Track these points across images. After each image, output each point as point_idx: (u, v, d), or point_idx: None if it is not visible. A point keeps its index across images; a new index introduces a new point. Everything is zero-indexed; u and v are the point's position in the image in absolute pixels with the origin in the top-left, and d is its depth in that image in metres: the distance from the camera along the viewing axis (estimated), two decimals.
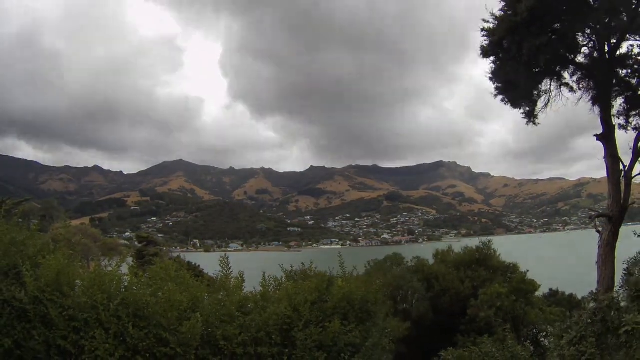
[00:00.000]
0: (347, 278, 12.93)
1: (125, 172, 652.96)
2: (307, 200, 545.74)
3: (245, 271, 12.83)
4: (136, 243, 70.81)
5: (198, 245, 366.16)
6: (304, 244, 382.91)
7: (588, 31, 24.80)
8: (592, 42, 25.64)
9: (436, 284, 39.83)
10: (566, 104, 26.61)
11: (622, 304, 11.75)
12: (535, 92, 26.46)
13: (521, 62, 23.68)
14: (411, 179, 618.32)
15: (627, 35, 24.64)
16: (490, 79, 26.09)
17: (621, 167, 25.47)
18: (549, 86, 26.55)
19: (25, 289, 9.85)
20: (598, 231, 25.89)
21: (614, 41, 24.96)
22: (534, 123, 27.07)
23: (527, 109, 26.82)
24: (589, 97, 26.14)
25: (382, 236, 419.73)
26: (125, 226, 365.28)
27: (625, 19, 23.08)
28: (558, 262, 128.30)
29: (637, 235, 22.79)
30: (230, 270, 12.60)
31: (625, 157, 25.62)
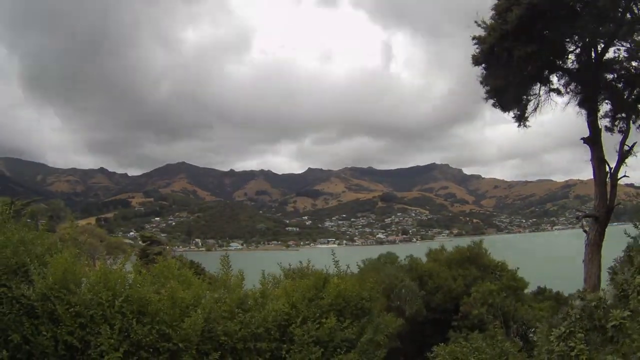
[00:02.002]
0: (342, 276, 12.97)
1: (130, 174, 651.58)
2: (305, 201, 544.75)
3: (245, 269, 12.85)
4: (140, 242, 70.62)
5: (200, 244, 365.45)
6: (301, 243, 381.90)
7: (576, 37, 24.87)
8: (579, 48, 25.73)
9: (429, 282, 39.84)
10: (555, 108, 26.73)
11: (609, 301, 11.74)
12: (525, 97, 26.54)
13: (511, 68, 23.73)
14: (405, 181, 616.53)
15: (614, 42, 24.72)
16: (481, 83, 26.15)
17: (607, 169, 25.56)
18: (538, 91, 26.65)
19: (34, 287, 9.87)
20: (585, 231, 25.96)
21: (601, 47, 25.04)
22: (525, 126, 27.16)
23: (517, 112, 26.89)
24: (577, 101, 26.22)
25: (377, 235, 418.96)
26: (129, 226, 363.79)
27: (611, 26, 23.14)
28: (546, 260, 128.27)
29: (628, 236, 22.85)
30: (231, 269, 12.64)
31: (611, 160, 25.73)
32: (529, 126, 27.22)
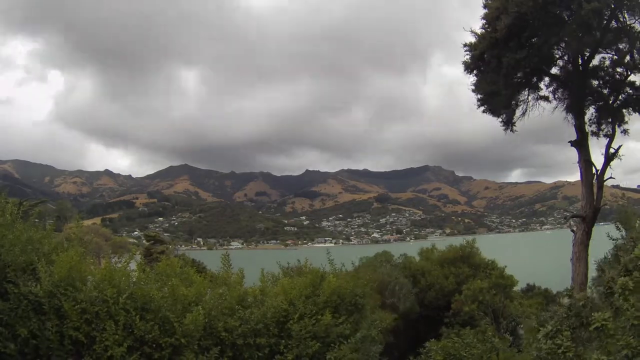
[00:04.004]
0: (338, 274, 13.00)
1: (134, 176, 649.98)
2: (303, 202, 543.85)
3: (245, 268, 12.88)
4: (144, 241, 70.51)
5: (201, 243, 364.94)
6: (299, 242, 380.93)
7: (563, 45, 24.93)
8: (566, 56, 25.82)
9: (422, 280, 39.85)
10: (542, 112, 26.82)
11: (596, 300, 11.78)
12: (514, 102, 26.61)
13: (501, 75, 23.80)
14: (399, 182, 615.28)
15: (599, 49, 24.79)
16: (473, 90, 26.23)
17: (594, 171, 25.64)
18: (526, 96, 26.73)
19: (41, 284, 9.87)
20: (572, 230, 26.06)
21: (587, 54, 25.11)
22: (512, 130, 27.24)
23: (506, 117, 26.96)
24: (564, 106, 26.32)
25: (372, 235, 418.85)
26: (134, 226, 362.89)
27: (596, 34, 23.20)
28: (535, 259, 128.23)
29: (610, 238, 22.94)
30: (231, 267, 12.66)
31: (598, 162, 25.83)
32: (515, 131, 27.35)
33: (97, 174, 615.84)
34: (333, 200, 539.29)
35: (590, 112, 26.78)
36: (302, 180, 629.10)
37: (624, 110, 25.90)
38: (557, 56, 25.97)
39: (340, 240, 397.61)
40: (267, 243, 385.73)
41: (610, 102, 26.21)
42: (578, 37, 23.48)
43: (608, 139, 26.08)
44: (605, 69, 25.87)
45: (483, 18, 24.34)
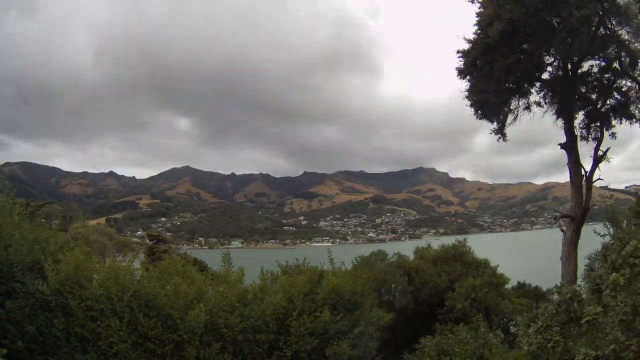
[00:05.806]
0: (336, 272, 13.00)
1: (138, 177, 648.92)
2: (301, 202, 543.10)
3: (245, 266, 12.87)
4: (147, 241, 70.38)
5: (203, 242, 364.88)
6: (298, 241, 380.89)
7: (553, 51, 24.99)
8: (556, 61, 25.86)
9: (416, 278, 39.84)
10: (533, 117, 26.90)
11: (584, 296, 11.81)
12: (506, 108, 26.66)
13: (493, 80, 23.83)
14: (394, 183, 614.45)
15: (588, 55, 24.87)
16: (466, 96, 26.28)
17: (583, 172, 25.71)
18: (517, 101, 26.78)
19: (47, 282, 9.89)
20: (562, 230, 26.12)
21: (576, 60, 25.17)
22: (504, 140, 27.33)
23: (498, 125, 27.01)
24: (554, 111, 26.38)
25: (368, 235, 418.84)
26: (137, 226, 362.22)
27: (585, 41, 23.26)
28: (526, 257, 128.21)
29: (597, 234, 22.98)
30: (232, 265, 12.65)
31: (587, 164, 25.91)
32: (507, 140, 27.45)
33: (101, 176, 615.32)
34: (330, 200, 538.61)
35: (580, 117, 26.90)
36: (300, 182, 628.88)
37: (611, 115, 26.03)
38: (548, 62, 26.03)
39: (337, 240, 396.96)
40: (267, 242, 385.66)
41: (599, 106, 26.31)
42: (568, 43, 23.55)
43: (596, 142, 26.18)
44: (594, 74, 25.97)
45: (476, 24, 24.39)
